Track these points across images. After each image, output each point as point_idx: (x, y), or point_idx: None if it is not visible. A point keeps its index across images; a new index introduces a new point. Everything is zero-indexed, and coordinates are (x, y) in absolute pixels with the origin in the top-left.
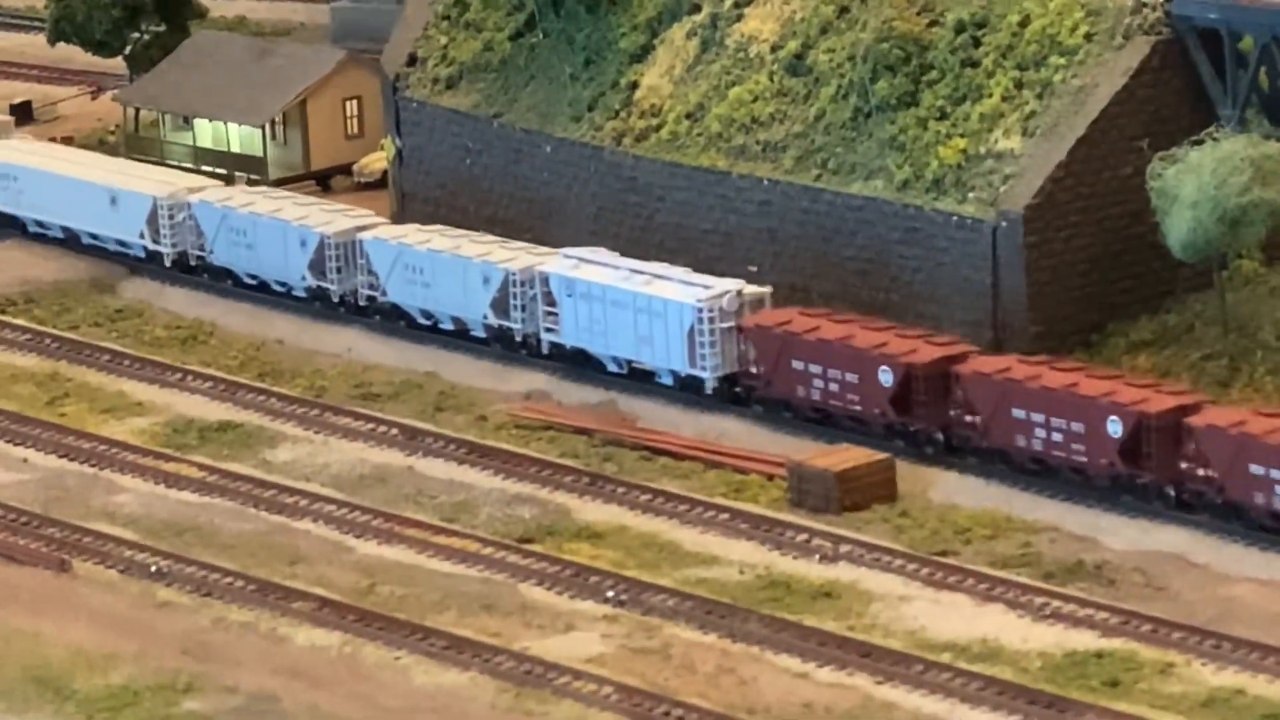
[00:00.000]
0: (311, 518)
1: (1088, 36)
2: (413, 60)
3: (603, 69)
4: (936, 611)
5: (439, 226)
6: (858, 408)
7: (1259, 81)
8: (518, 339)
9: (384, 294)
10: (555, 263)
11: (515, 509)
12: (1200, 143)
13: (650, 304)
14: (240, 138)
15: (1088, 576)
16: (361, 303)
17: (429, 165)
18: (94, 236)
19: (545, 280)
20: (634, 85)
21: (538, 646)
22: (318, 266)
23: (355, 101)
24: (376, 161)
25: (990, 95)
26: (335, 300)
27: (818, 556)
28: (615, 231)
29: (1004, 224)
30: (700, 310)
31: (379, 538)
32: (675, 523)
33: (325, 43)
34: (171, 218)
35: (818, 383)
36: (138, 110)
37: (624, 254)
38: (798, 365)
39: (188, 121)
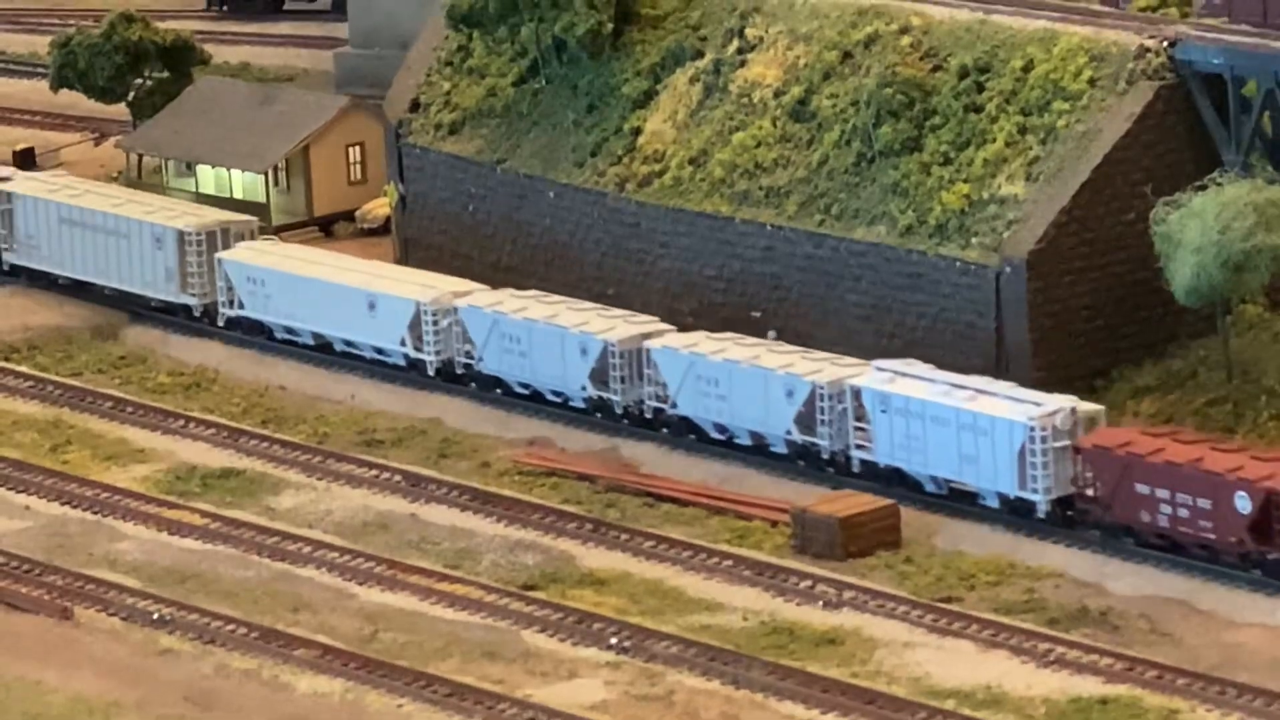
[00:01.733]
0: (314, 565)
1: (1091, 82)
2: (415, 106)
3: (606, 115)
4: (941, 658)
5: (734, 335)
6: (1211, 535)
7: (1262, 126)
8: (824, 455)
9: (674, 406)
10: (868, 376)
11: (518, 556)
12: (1204, 188)
13: (976, 421)
14: (243, 184)
15: (1092, 622)
16: (648, 415)
17: (432, 211)
18: (349, 344)
19: (857, 394)
20: (637, 131)
21: (541, 694)
22: (599, 376)
23: (358, 148)
24: (379, 208)
25: (994, 140)
26: (619, 412)
27: (822, 603)
28: (618, 277)
29: (1008, 269)
30: (1033, 429)
31: (382, 585)
32: (679, 569)
33: (329, 89)
34: (436, 324)
35: (1165, 508)
36: (140, 156)
37: (626, 300)
38: (1142, 489)
39: (190, 168)
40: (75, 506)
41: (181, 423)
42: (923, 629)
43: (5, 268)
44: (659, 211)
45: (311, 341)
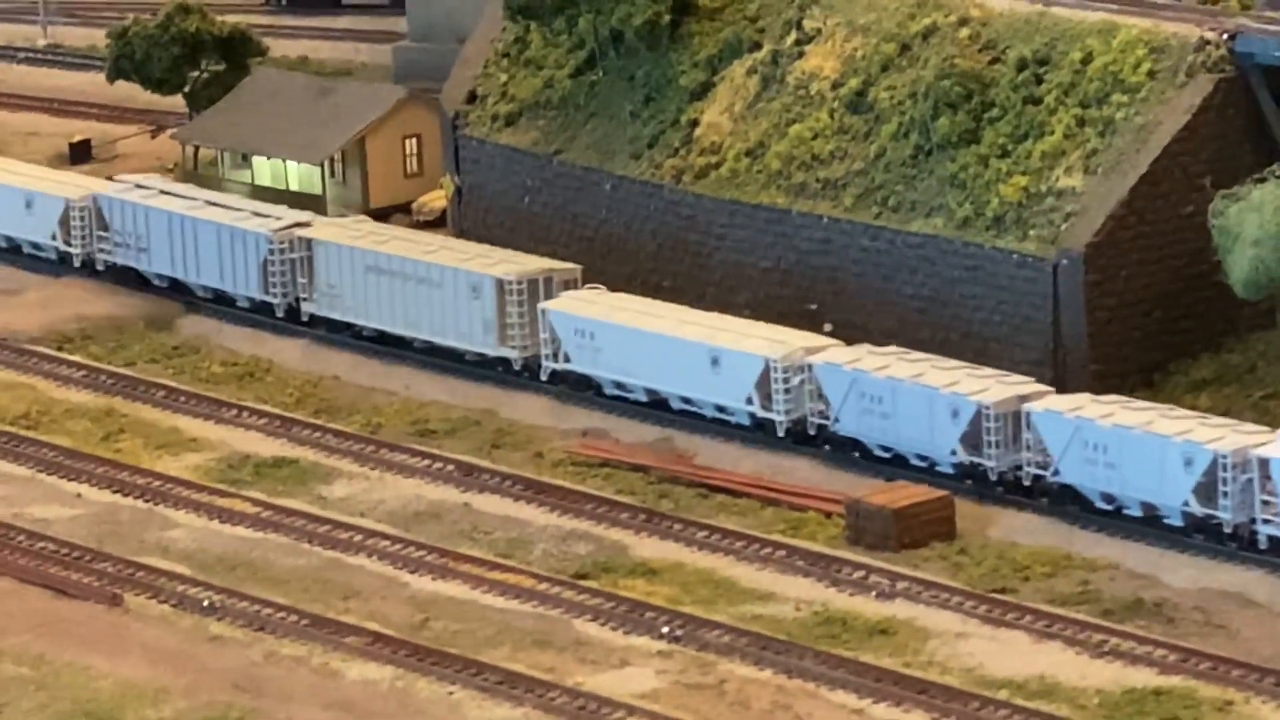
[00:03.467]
0: (366, 553)
1: (1151, 74)
2: (472, 98)
3: (663, 106)
4: (994, 649)
5: (1121, 398)
6: None
7: None
8: (1226, 530)
9: (1055, 474)
10: (1277, 445)
11: (571, 545)
12: (1263, 180)
13: None
14: (299, 176)
15: (1147, 614)
16: (1025, 482)
17: (488, 203)
18: (687, 401)
19: (1264, 464)
20: (694, 123)
21: (591, 682)
22: (971, 440)
23: (415, 139)
24: (436, 200)
25: (1052, 133)
26: (993, 479)
27: (875, 594)
28: (674, 270)
29: (1065, 262)
30: None
31: (433, 573)
32: (731, 559)
33: (387, 82)
34: (787, 382)
35: None
36: (197, 148)
37: (681, 292)
38: None
39: (246, 159)
40: (127, 495)
41: (234, 412)
42: (976, 620)
43: (304, 318)
44: (715, 203)
45: (644, 398)
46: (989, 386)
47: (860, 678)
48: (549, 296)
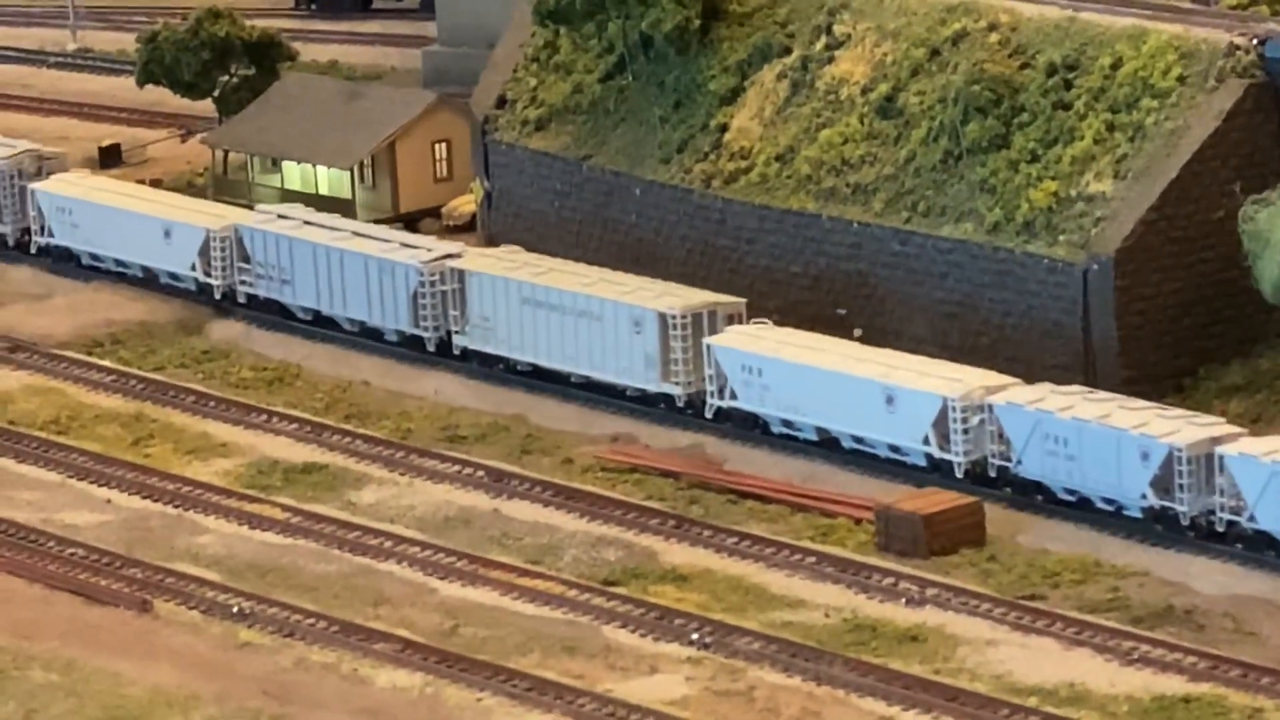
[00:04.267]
0: (395, 559)
1: (1180, 79)
2: (502, 102)
3: (692, 111)
4: (1023, 656)
5: None
6: None
7: None
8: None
9: (1251, 519)
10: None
11: (600, 551)
12: None
13: None
14: (329, 180)
15: (1177, 621)
16: (1218, 528)
17: (517, 208)
18: (858, 440)
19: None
20: (724, 127)
21: (621, 689)
22: (1162, 484)
23: (444, 144)
24: (465, 204)
25: (1082, 138)
26: (1184, 524)
27: (904, 600)
28: (704, 274)
29: (1095, 267)
30: None
31: (463, 580)
32: (761, 566)
33: (417, 87)
34: (966, 422)
35: None
36: (226, 153)
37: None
38: None
39: (276, 164)
40: (156, 500)
41: (264, 417)
42: (1006, 626)
43: (455, 351)
44: (745, 208)
45: (814, 437)
46: (1180, 428)
47: (890, 685)
48: (713, 331)
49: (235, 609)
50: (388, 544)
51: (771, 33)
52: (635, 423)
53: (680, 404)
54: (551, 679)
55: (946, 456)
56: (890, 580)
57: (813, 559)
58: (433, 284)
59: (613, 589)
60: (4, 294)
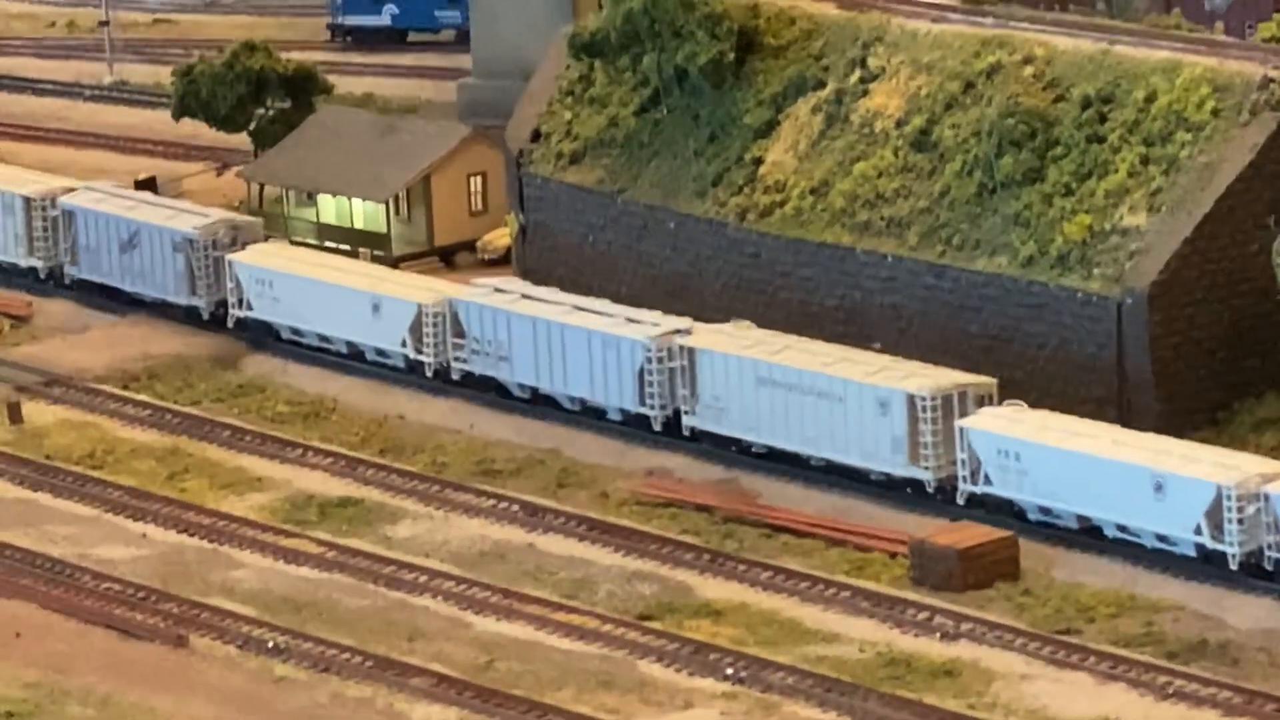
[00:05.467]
0: (430, 594)
1: (1214, 112)
2: (537, 136)
3: (727, 145)
4: (1058, 690)
5: None
6: None
7: None
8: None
9: None
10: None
11: (635, 586)
12: None
13: None
14: (364, 214)
15: (1212, 655)
16: None
17: (552, 241)
18: (1122, 529)
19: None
20: (758, 161)
21: None
22: None
23: (479, 177)
24: (500, 238)
25: (1116, 171)
26: None
27: (939, 634)
28: (739, 308)
29: (1129, 301)
30: None
31: (498, 614)
32: (796, 600)
33: (452, 120)
34: (1241, 511)
35: None
36: (262, 186)
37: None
38: None
39: (311, 197)
40: (192, 534)
41: (299, 452)
42: (1040, 661)
43: (685, 432)
44: (780, 242)
45: (1075, 525)
46: None
47: (924, 719)
48: (963, 413)
49: (271, 644)
50: (423, 578)
51: (806, 66)
52: (670, 456)
53: (930, 489)
54: (586, 713)
55: (1220, 547)
56: (925, 614)
57: (847, 593)
58: (660, 361)
59: (647, 623)
60: (40, 328)
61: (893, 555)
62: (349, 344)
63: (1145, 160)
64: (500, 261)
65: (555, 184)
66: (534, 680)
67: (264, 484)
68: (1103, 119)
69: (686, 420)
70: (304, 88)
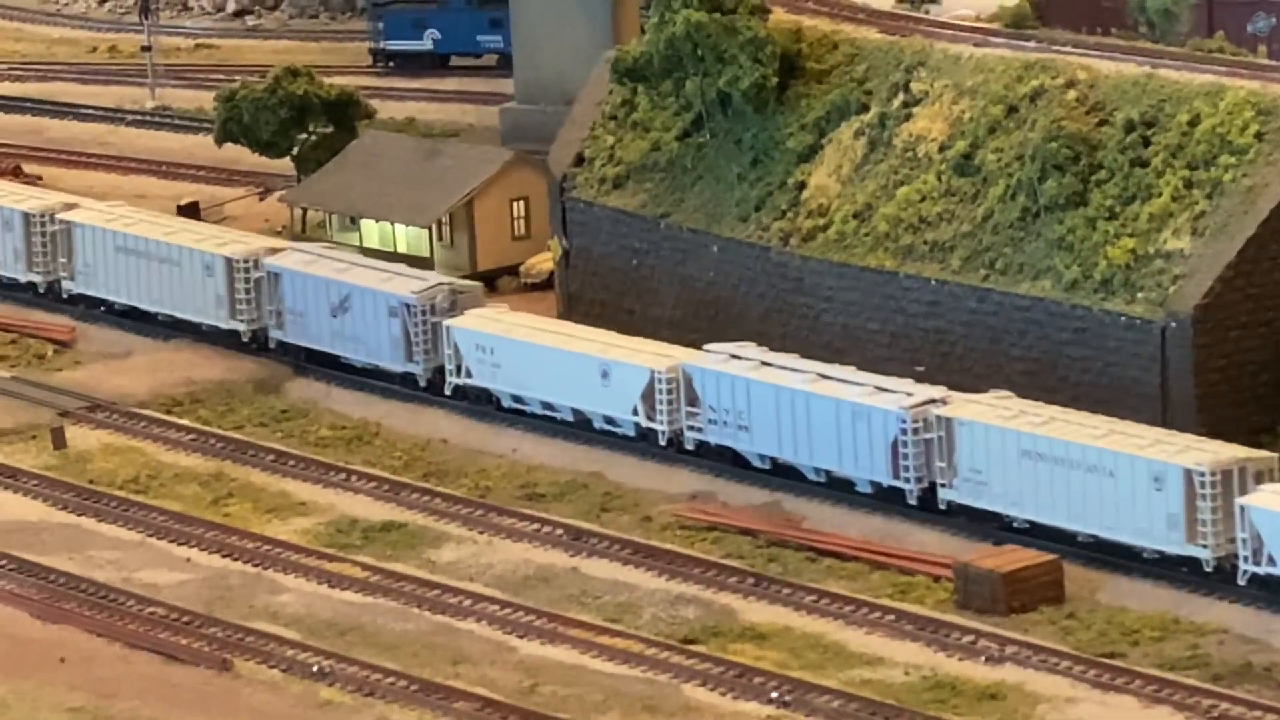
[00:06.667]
0: (475, 618)
1: (1258, 136)
2: (580, 160)
3: (770, 169)
4: (1103, 713)
5: None
6: None
7: None
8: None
9: None
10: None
11: (679, 609)
12: None
13: None
14: (407, 238)
15: (1257, 678)
16: None
17: (595, 266)
18: None
19: None
20: (801, 185)
21: None
22: None
23: (522, 202)
24: (543, 262)
25: (1160, 195)
26: None
27: (984, 658)
28: (782, 332)
29: (1173, 324)
30: None
31: (542, 638)
32: (840, 623)
33: (495, 144)
34: None
35: None
36: (305, 211)
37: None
38: None
39: (354, 222)
40: (236, 559)
41: (343, 476)
42: (1085, 684)
43: (941, 505)
44: (823, 266)
45: None
46: None
47: None
48: (1243, 490)
49: (315, 668)
50: (467, 602)
51: (849, 90)
52: (713, 480)
53: (1208, 569)
54: None
55: None
56: (969, 638)
57: (891, 616)
58: (915, 432)
59: (691, 647)
60: (83, 353)
61: (936, 579)
62: (574, 411)
63: (1189, 184)
64: (543, 286)
65: (598, 208)
66: (578, 704)
67: (308, 508)
68: (1146, 143)
69: (943, 494)
70: (346, 113)
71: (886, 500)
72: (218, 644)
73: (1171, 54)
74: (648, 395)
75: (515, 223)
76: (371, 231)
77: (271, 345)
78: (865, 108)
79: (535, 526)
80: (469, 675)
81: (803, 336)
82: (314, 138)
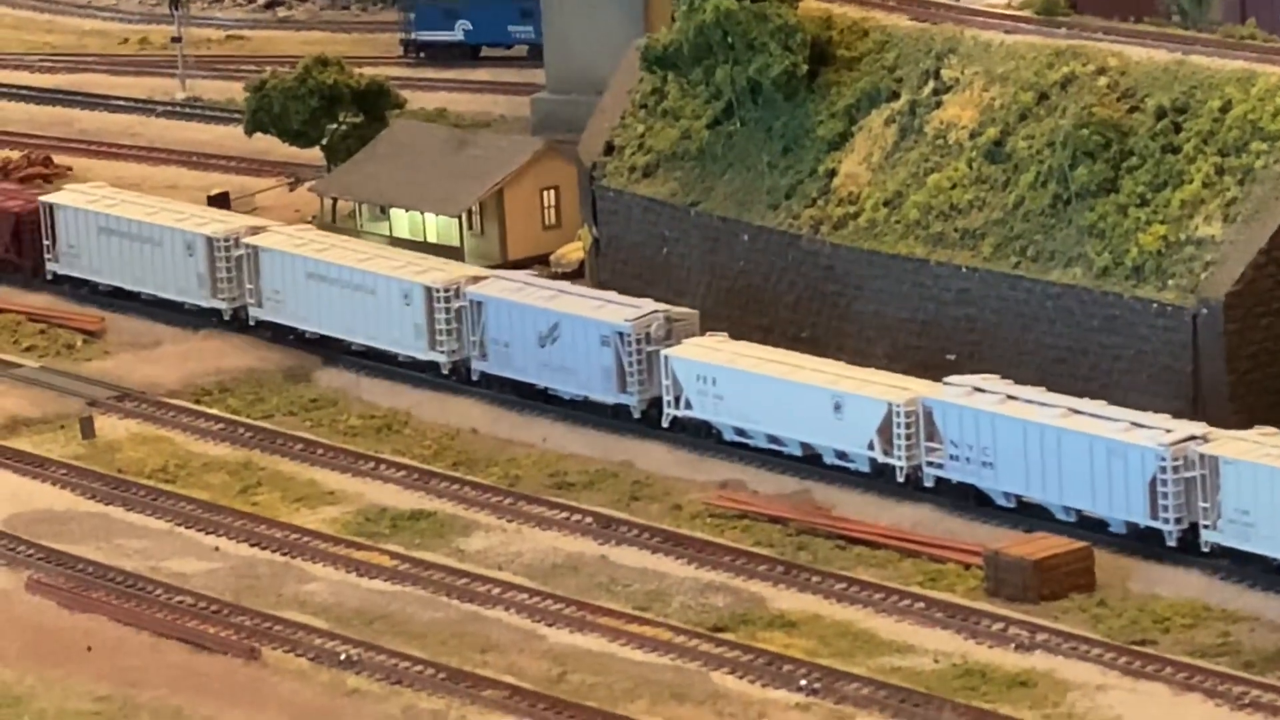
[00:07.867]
0: (503, 606)
1: None
2: (610, 149)
3: (800, 157)
4: (1134, 701)
5: None
6: None
7: None
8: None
9: None
10: None
11: (709, 598)
12: None
13: None
14: (437, 228)
15: None
16: None
17: (626, 254)
18: None
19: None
20: (832, 173)
21: None
22: None
23: (552, 191)
24: (574, 252)
25: (1191, 181)
26: None
27: (1014, 645)
28: (812, 320)
29: (1204, 311)
30: None
31: (571, 626)
32: (870, 611)
33: (525, 134)
34: None
35: None
36: (335, 200)
37: (819, 343)
38: None
39: (384, 212)
40: (265, 548)
41: (372, 465)
42: (1116, 671)
43: (1204, 548)
44: (854, 254)
45: None
46: None
47: None
48: None
49: (343, 656)
50: (495, 591)
51: (879, 78)
52: (744, 468)
53: None
54: None
55: None
56: (999, 625)
57: (921, 604)
58: (1175, 470)
59: (721, 635)
60: (113, 343)
61: (966, 566)
62: (804, 445)
63: (1220, 170)
64: (574, 275)
65: (629, 197)
66: (607, 692)
67: (336, 497)
68: (1177, 129)
69: (1206, 535)
70: (376, 103)
71: (1141, 540)
72: (246, 633)
73: (1203, 40)
74: (884, 429)
75: (546, 212)
76: (402, 221)
77: (474, 377)
78: (896, 95)
79: (564, 515)
80: (497, 663)
81: (833, 324)
82: (344, 128)
